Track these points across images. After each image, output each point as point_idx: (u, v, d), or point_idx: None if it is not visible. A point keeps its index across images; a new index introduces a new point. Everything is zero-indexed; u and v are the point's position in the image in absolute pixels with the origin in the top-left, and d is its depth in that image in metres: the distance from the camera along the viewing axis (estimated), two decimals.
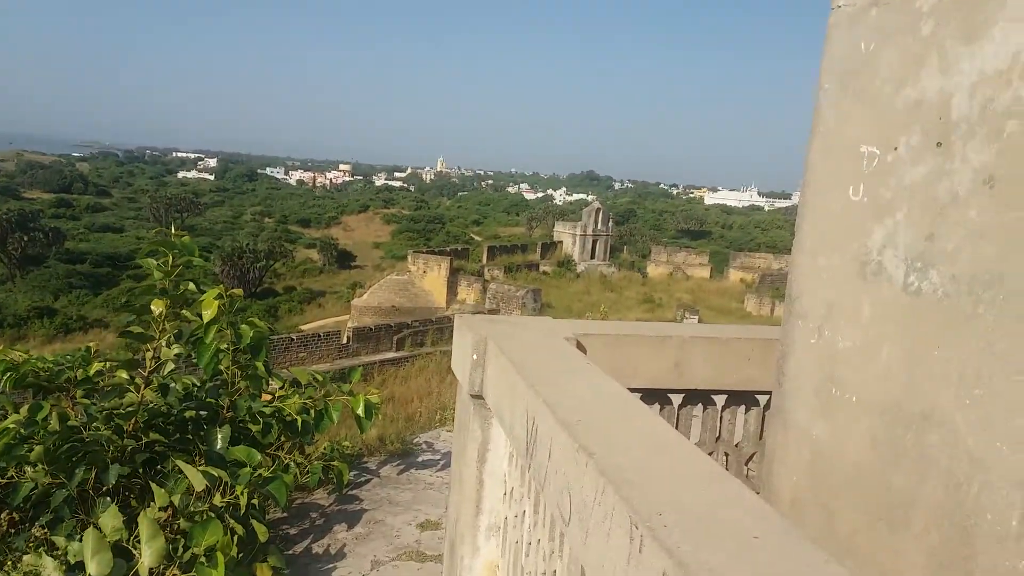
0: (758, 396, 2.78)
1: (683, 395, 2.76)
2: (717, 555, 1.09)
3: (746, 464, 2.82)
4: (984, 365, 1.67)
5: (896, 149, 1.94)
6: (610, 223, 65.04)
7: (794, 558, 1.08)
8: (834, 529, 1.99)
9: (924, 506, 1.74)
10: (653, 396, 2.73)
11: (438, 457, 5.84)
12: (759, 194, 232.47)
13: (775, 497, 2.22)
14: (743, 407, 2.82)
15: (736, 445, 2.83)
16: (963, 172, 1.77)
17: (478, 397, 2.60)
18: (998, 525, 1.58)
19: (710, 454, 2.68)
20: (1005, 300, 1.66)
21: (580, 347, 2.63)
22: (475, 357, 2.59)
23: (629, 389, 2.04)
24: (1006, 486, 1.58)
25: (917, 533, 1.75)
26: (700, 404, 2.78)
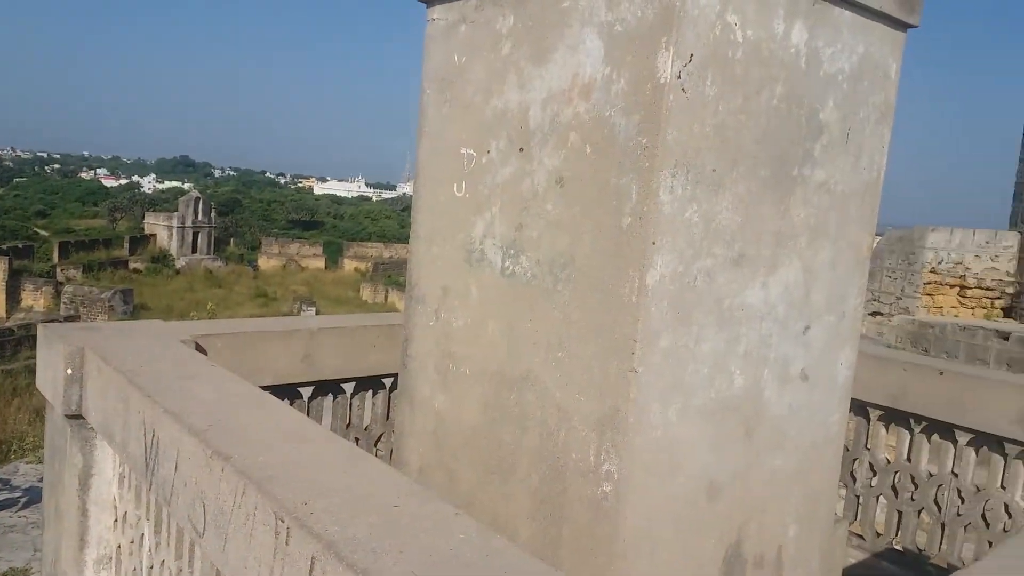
0: (384, 380, 2.94)
1: (313, 387, 2.79)
2: (363, 529, 1.17)
3: (375, 445, 2.97)
4: (563, 332, 2.04)
5: (488, 152, 2.23)
6: (212, 214, 60.83)
7: (430, 516, 1.21)
8: (457, 487, 2.24)
9: (526, 455, 2.07)
10: (282, 392, 2.71)
11: (18, 494, 4.93)
12: (367, 185, 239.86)
13: (405, 469, 2.39)
14: (371, 392, 2.96)
15: (366, 428, 2.96)
16: (540, 173, 2.12)
17: (76, 417, 2.29)
18: (581, 461, 1.95)
19: None
20: (575, 278, 2.04)
21: (200, 349, 2.48)
22: (70, 372, 2.27)
23: (260, 387, 2.01)
24: (585, 429, 1.96)
25: (522, 478, 2.06)
26: (330, 394, 2.84)
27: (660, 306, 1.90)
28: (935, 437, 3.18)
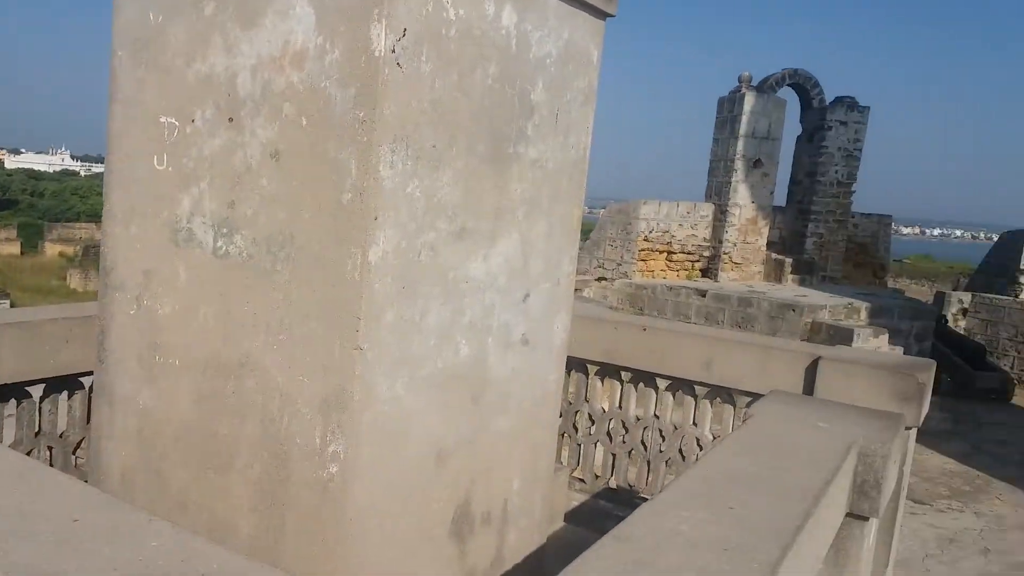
0: (82, 379, 2.60)
1: None
2: (29, 552, 1.02)
3: (74, 453, 2.63)
4: (284, 313, 1.95)
5: (193, 121, 2.04)
6: None
7: (117, 526, 1.09)
8: (167, 490, 2.06)
9: (246, 445, 1.96)
10: None
11: None
12: (72, 157, 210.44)
13: (105, 476, 2.15)
14: (66, 394, 2.60)
15: (61, 436, 2.60)
16: (253, 145, 1.99)
17: None
18: (306, 445, 1.90)
19: (31, 452, 2.40)
20: (295, 257, 1.96)
21: None
22: None
23: None
24: (310, 411, 1.90)
25: (241, 470, 1.96)
26: (12, 400, 2.45)
27: (384, 282, 1.89)
28: (641, 385, 3.59)
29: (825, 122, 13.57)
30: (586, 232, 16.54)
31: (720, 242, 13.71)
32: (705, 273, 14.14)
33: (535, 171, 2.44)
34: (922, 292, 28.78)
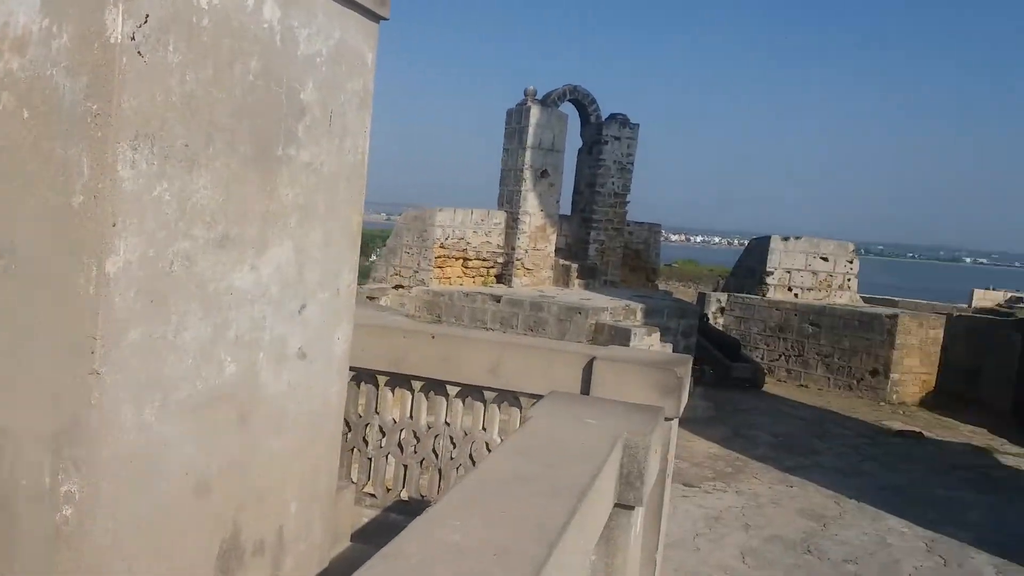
0: None
1: None
2: None
3: None
4: (5, 337, 1.67)
5: None
6: None
7: None
8: None
9: None
10: None
11: None
12: None
13: None
14: None
15: None
16: None
17: None
18: (33, 487, 1.64)
19: None
20: (18, 270, 1.69)
21: None
22: None
23: None
24: (37, 448, 1.65)
25: None
26: None
27: (126, 296, 1.69)
28: (432, 393, 3.57)
29: (602, 136, 14.58)
30: (383, 239, 16.35)
31: (513, 249, 14.19)
32: (500, 279, 14.57)
33: (309, 175, 2.32)
34: (688, 293, 31.96)
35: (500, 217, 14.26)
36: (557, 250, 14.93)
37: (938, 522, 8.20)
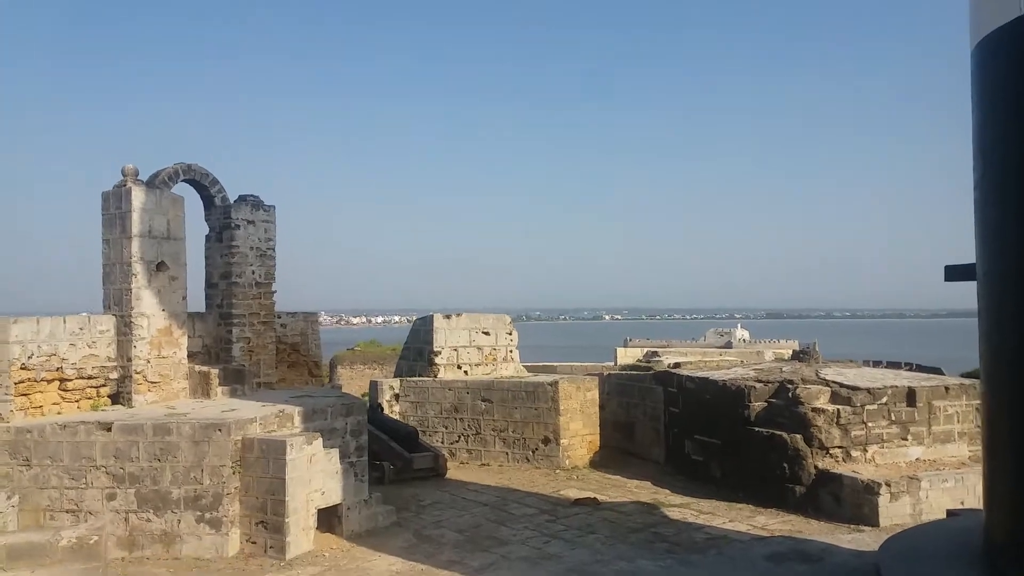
0: None
1: None
2: None
3: None
4: None
5: None
6: None
7: None
8: None
9: None
10: None
11: None
12: None
13: None
14: None
15: None
16: None
17: None
18: None
19: None
20: None
21: None
22: None
23: None
24: None
25: None
26: None
27: None
28: None
29: (231, 221, 12.69)
30: None
31: (130, 360, 11.44)
32: (116, 399, 11.62)
33: None
34: (376, 375, 30.79)
35: (107, 323, 11.44)
36: (192, 355, 12.48)
37: None
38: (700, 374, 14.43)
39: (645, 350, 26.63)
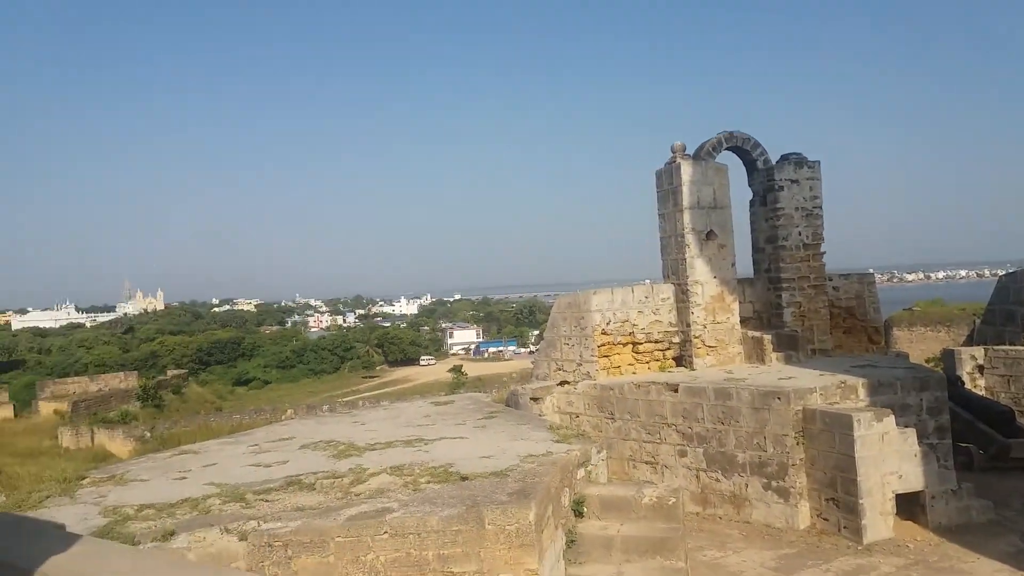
0: None
1: None
2: None
3: None
4: None
5: None
6: None
7: None
8: None
9: None
10: None
11: None
12: (77, 310, 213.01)
13: None
14: None
15: None
16: None
17: None
18: None
19: None
20: None
21: None
22: None
23: None
24: None
25: None
26: None
27: None
28: None
29: (775, 182, 12.21)
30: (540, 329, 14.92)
31: (688, 325, 12.08)
32: (680, 361, 12.42)
33: None
34: (940, 339, 26.96)
35: (667, 291, 12.27)
36: (743, 320, 12.54)
37: None
38: None
39: None
